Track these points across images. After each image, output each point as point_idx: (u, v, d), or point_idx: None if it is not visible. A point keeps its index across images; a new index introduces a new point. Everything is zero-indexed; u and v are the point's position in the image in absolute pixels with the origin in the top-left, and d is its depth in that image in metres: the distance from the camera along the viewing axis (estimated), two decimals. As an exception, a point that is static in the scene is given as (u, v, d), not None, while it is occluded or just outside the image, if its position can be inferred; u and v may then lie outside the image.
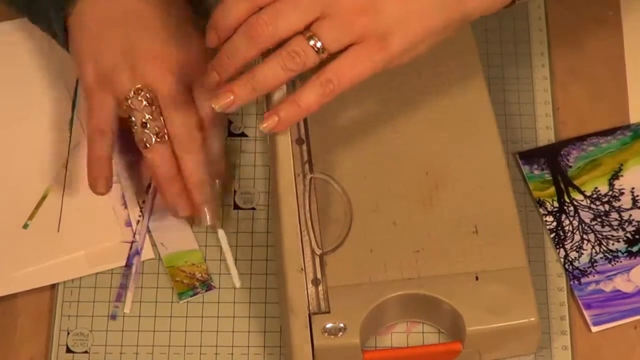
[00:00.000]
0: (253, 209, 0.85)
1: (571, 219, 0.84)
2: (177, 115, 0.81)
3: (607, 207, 0.84)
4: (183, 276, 0.82)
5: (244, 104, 0.75)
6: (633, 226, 0.83)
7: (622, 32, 0.91)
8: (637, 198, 0.84)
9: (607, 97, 0.89)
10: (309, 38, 0.73)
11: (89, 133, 0.82)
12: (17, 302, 0.82)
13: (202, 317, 0.81)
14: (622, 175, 0.85)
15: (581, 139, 0.87)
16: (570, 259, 0.82)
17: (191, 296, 0.82)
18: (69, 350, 0.81)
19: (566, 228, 0.83)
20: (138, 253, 0.83)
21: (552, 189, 0.85)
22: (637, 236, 0.83)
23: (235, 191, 0.85)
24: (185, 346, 0.81)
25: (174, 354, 0.80)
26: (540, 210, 0.84)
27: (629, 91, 0.89)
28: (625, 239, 0.83)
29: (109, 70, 0.81)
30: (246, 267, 0.83)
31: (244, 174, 0.86)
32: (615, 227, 0.83)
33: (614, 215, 0.84)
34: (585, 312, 0.81)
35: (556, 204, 0.84)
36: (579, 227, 0.83)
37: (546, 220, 0.84)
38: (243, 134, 0.87)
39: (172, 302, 0.82)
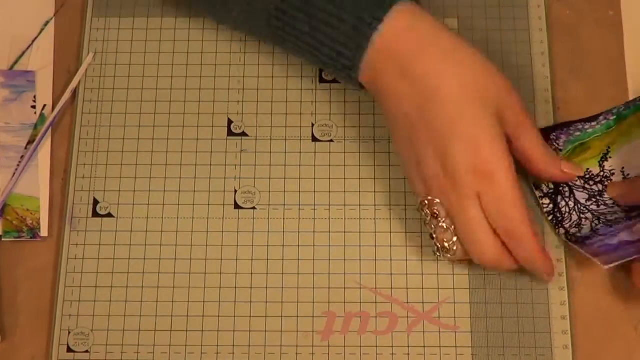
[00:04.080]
0: (254, 208, 0.85)
1: (567, 200, 0.84)
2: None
3: (600, 187, 0.84)
4: (14, 217, 0.84)
5: None
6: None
7: (622, 32, 0.91)
8: (628, 177, 0.84)
9: (607, 97, 0.89)
10: None
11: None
12: (18, 301, 0.82)
13: (203, 316, 0.82)
14: (610, 157, 0.85)
15: (567, 124, 0.86)
16: (572, 233, 0.82)
17: (15, 237, 0.84)
18: (69, 350, 0.81)
19: (563, 210, 0.83)
20: None
21: None
22: (632, 211, 0.83)
23: (235, 190, 0.85)
24: (186, 345, 0.81)
25: (175, 353, 0.80)
26: (537, 192, 0.84)
27: (629, 91, 0.89)
28: (622, 211, 0.83)
29: None
30: (247, 266, 0.83)
31: (244, 173, 0.86)
32: (610, 206, 0.83)
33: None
34: (594, 259, 0.79)
35: (551, 186, 0.84)
36: (575, 208, 0.83)
37: (543, 203, 0.84)
38: (244, 134, 0.87)
39: (173, 301, 0.82)
